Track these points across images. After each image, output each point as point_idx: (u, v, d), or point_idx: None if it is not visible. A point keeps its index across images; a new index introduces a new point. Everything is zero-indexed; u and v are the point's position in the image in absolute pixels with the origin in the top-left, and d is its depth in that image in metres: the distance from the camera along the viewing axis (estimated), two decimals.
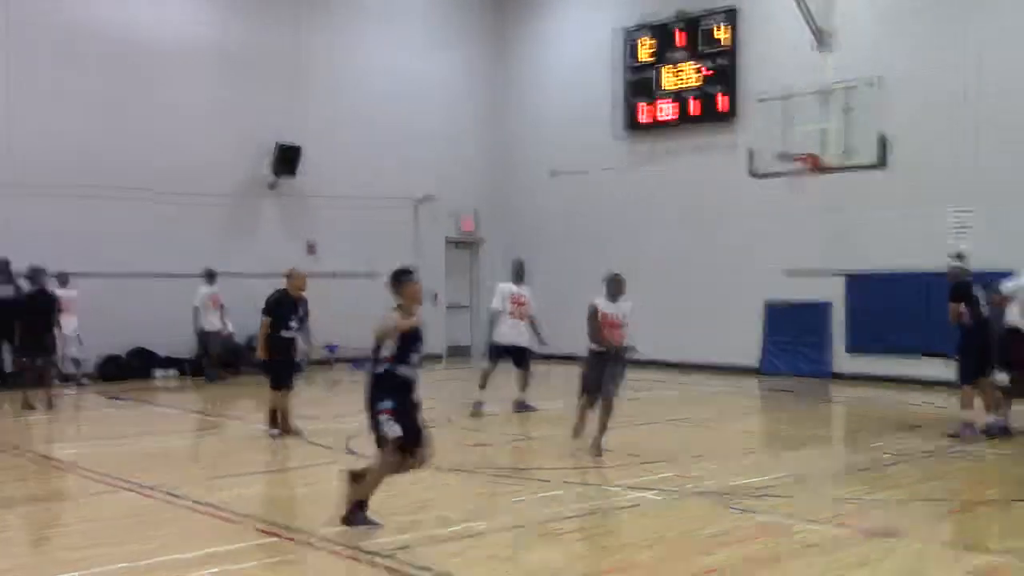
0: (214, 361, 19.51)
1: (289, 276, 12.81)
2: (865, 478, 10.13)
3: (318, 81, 22.47)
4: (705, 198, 21.26)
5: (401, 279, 8.11)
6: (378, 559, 7.05)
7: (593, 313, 11.10)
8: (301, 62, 22.26)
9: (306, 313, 12.75)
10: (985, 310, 12.53)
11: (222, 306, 19.79)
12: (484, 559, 7.21)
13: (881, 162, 15.88)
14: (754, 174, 17.27)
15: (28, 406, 15.13)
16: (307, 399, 17.08)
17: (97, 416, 15.74)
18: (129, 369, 19.75)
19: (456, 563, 7.03)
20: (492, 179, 25.09)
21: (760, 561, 6.97)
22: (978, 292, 12.63)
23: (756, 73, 20.16)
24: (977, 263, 17.35)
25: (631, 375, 16.56)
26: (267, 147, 21.42)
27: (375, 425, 7.88)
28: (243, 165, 21.46)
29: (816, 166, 16.26)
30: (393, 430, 7.77)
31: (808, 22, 16.65)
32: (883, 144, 15.65)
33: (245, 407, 17.05)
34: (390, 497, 9.23)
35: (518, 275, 14.78)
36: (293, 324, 12.54)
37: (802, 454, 11.56)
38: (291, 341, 12.63)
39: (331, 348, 21.90)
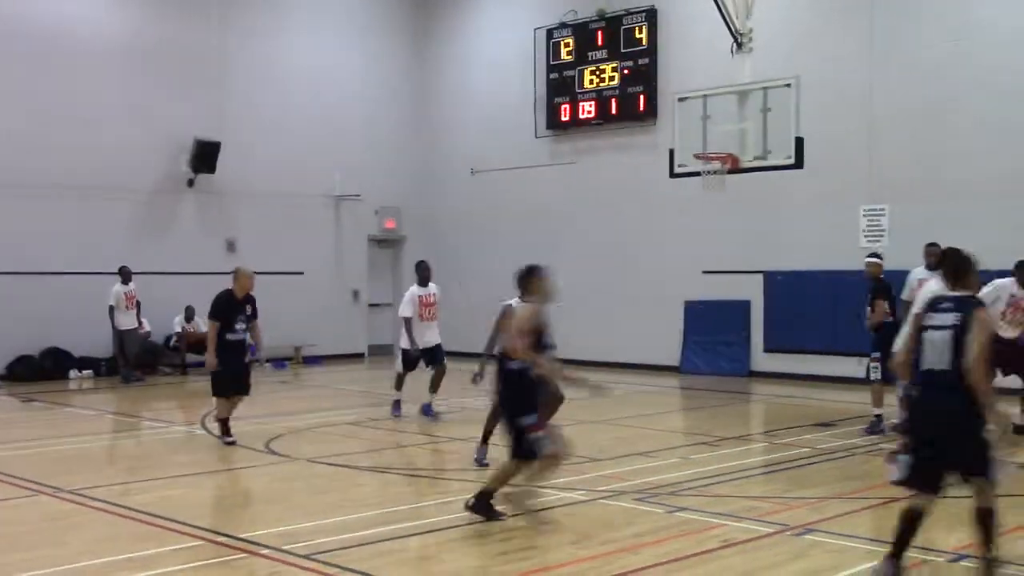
0: (130, 361, 19.18)
1: (235, 275, 12.19)
2: (783, 476, 10.32)
3: (238, 77, 22.20)
4: (625, 197, 21.44)
5: (535, 275, 8.33)
6: (302, 561, 7.01)
7: (506, 314, 10.79)
8: (221, 58, 21.96)
9: (254, 312, 12.23)
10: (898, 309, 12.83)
11: (138, 304, 19.50)
12: (407, 560, 7.21)
13: (798, 162, 16.15)
14: (674, 174, 17.46)
15: None
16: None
17: (9, 418, 15.37)
18: (42, 370, 19.32)
19: (379, 564, 7.01)
20: (415, 177, 25.02)
21: (682, 559, 7.06)
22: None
23: (676, 73, 20.37)
24: (890, 261, 17.80)
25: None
26: (185, 143, 21.10)
27: (520, 438, 7.90)
28: (161, 161, 21.11)
29: (734, 166, 16.48)
30: (546, 447, 7.90)
31: (727, 23, 16.86)
32: (799, 144, 15.92)
33: (163, 408, 16.82)
34: (314, 497, 9.19)
35: (423, 277, 14.53)
36: (239, 326, 12.02)
37: (722, 452, 11.72)
38: (239, 344, 12.14)
39: (251, 348, 21.64)
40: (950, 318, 6.27)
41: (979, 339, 6.14)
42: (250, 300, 12.18)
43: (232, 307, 11.98)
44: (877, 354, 12.73)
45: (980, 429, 6.17)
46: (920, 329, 6.46)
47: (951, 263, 6.76)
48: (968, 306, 6.35)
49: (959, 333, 6.17)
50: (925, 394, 6.43)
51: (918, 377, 6.50)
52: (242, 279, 12.13)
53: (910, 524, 6.37)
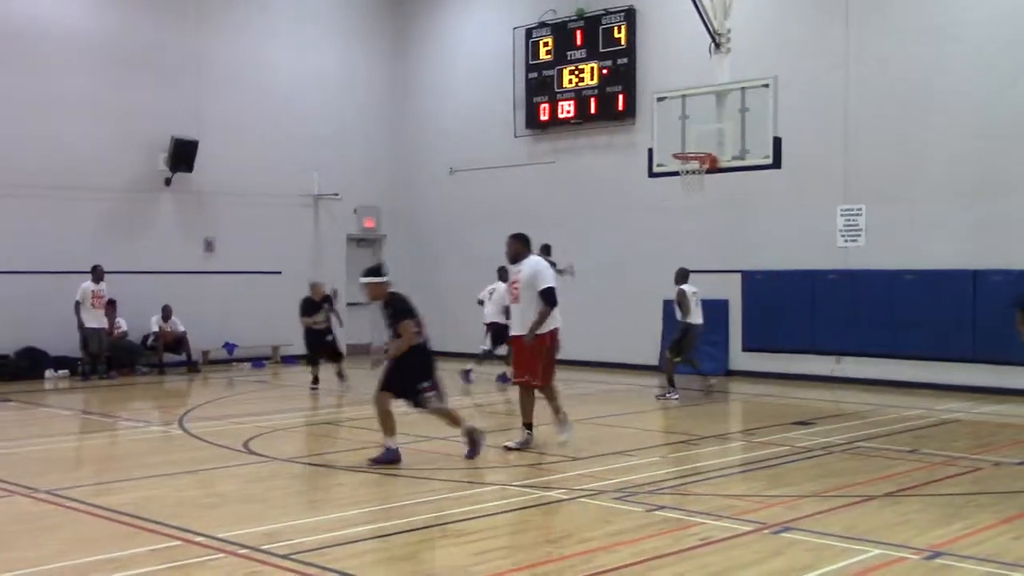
0: (94, 359, 19.09)
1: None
2: (761, 474, 10.36)
3: (216, 76, 22.13)
4: (604, 197, 21.49)
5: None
6: (281, 561, 7.00)
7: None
8: (198, 57, 21.90)
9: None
10: None
11: (112, 303, 19.45)
12: (387, 560, 7.20)
13: (775, 162, 16.20)
14: (653, 173, 17.49)
15: None
16: (205, 399, 16.87)
17: None
18: (17, 369, 19.20)
19: (359, 564, 7.01)
20: (394, 176, 25.02)
21: (661, 558, 7.08)
22: None
23: (654, 73, 20.45)
24: (866, 260, 17.96)
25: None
26: (163, 142, 21.02)
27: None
28: (138, 160, 21.04)
29: (713, 166, 16.51)
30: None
31: (705, 23, 16.89)
32: (777, 144, 15.97)
33: (140, 408, 16.75)
34: (293, 497, 9.18)
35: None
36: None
37: (700, 451, 11.76)
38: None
39: (229, 347, 21.62)
40: None
41: None
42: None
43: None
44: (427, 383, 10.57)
45: None
46: None
47: None
48: None
49: None
50: None
51: None
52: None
53: None
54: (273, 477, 10.18)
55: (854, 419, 14.00)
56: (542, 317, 11.10)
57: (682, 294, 16.45)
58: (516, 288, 11.33)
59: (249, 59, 22.69)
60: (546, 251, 17.91)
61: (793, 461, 10.95)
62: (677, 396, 16.13)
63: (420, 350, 10.46)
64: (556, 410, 11.53)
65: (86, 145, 20.13)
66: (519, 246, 11.40)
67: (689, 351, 16.60)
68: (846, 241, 18.23)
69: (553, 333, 11.35)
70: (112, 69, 20.66)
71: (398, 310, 10.42)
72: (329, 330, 17.84)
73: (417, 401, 10.45)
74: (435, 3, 24.92)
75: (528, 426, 11.41)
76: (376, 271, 10.73)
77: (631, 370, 20.42)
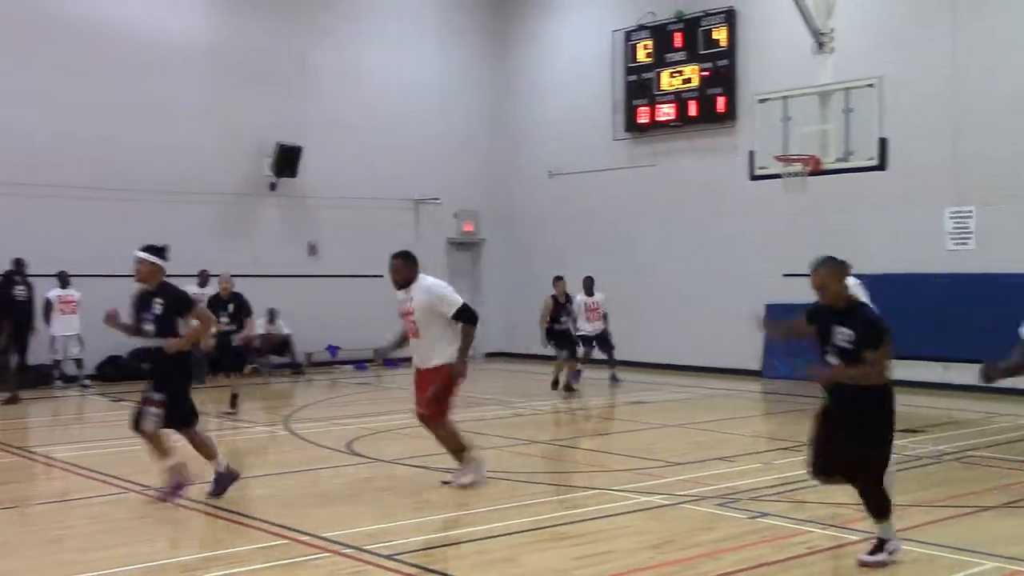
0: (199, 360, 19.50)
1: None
2: None
3: (319, 81, 22.49)
4: (705, 200, 21.29)
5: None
6: (384, 561, 7.07)
7: None
8: (302, 63, 22.28)
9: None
10: None
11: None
12: (488, 562, 7.22)
13: (881, 163, 15.89)
14: (754, 176, 17.29)
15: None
16: (309, 400, 17.14)
17: (99, 418, 15.77)
18: (130, 370, 19.71)
19: (460, 565, 7.06)
20: (493, 180, 25.12)
21: (764, 566, 6.99)
22: None
23: (755, 74, 20.19)
24: (976, 264, 17.49)
25: (632, 377, 16.58)
26: (268, 147, 21.44)
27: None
28: (243, 165, 21.48)
29: (816, 168, 16.26)
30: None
31: (807, 23, 16.65)
32: (883, 145, 15.67)
33: (247, 408, 17.05)
34: (396, 498, 9.27)
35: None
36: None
37: (805, 458, 11.55)
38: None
39: (332, 350, 21.94)
40: None
41: None
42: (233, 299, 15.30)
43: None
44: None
45: None
46: None
47: None
48: None
49: None
50: None
51: None
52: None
53: None
54: (376, 478, 10.30)
55: (966, 427, 13.64)
56: (469, 340, 9.41)
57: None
58: (412, 320, 9.52)
59: (352, 64, 23.01)
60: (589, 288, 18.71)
61: (902, 469, 10.69)
62: None
63: (186, 357, 9.16)
64: (460, 448, 9.73)
65: (194, 151, 20.62)
66: (408, 268, 9.80)
67: None
68: (955, 244, 17.78)
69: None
70: (220, 76, 21.14)
71: (181, 301, 9.22)
72: (233, 333, 15.19)
73: (139, 411, 8.95)
74: (534, 7, 24.98)
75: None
76: (161, 251, 9.36)
77: (732, 375, 20.18)
